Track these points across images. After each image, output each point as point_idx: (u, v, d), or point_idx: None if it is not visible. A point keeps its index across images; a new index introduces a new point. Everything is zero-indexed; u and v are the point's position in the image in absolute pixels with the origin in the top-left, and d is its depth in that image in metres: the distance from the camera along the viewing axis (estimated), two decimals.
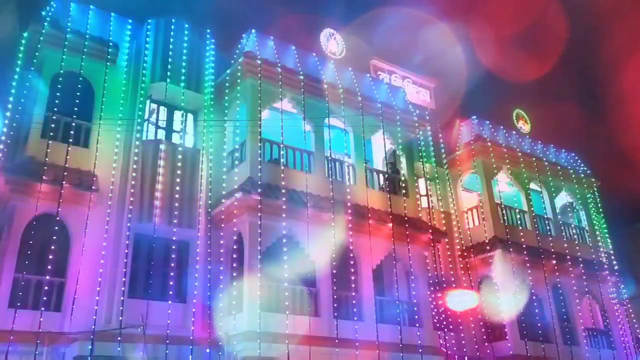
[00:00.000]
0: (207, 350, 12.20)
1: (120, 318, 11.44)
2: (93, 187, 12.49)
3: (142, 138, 13.78)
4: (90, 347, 10.81)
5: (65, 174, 12.16)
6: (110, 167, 13.07)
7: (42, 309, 11.11)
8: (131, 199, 12.85)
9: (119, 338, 11.05)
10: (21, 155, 12.57)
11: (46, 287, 11.45)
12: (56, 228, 11.78)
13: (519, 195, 19.88)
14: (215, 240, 13.61)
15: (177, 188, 13.39)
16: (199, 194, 13.82)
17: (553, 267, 18.26)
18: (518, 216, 19.23)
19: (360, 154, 16.22)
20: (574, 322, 18.34)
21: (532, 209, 19.63)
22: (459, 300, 9.96)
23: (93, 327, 11.08)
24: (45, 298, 11.33)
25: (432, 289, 16.01)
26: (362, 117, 16.12)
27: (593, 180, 22.28)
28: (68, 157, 12.43)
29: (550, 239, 19.16)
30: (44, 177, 11.89)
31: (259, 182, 13.54)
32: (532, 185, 20.29)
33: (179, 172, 13.55)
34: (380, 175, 16.83)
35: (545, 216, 19.99)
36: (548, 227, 19.75)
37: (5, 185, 11.96)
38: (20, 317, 10.75)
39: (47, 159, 12.14)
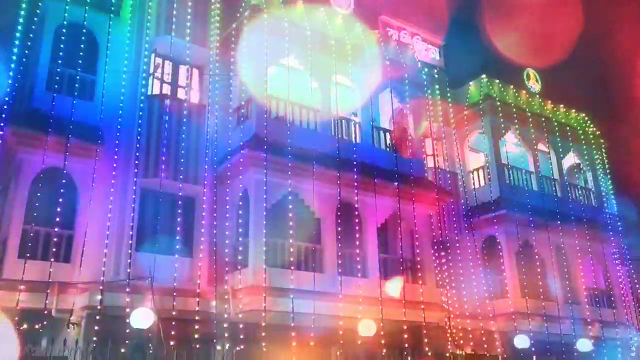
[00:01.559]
0: (213, 304, 12.41)
1: (128, 270, 11.61)
2: (99, 141, 12.50)
3: (147, 93, 13.67)
4: (99, 297, 11.02)
5: (71, 127, 12.14)
6: (115, 122, 13.00)
7: (52, 259, 11.27)
8: (137, 154, 12.84)
9: (127, 290, 11.24)
10: (27, 108, 12.52)
11: (55, 239, 11.58)
12: (63, 181, 11.84)
13: (526, 156, 19.76)
14: (221, 196, 13.66)
15: (183, 144, 13.38)
16: (204, 150, 13.82)
17: (557, 228, 18.33)
18: (524, 177, 19.18)
19: (367, 112, 16.07)
20: (575, 281, 18.55)
21: (539, 169, 19.56)
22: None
23: (102, 278, 11.27)
24: (54, 249, 11.48)
25: (435, 247, 16.16)
26: (369, 75, 15.88)
27: (602, 141, 22.10)
28: (73, 110, 12.35)
29: (556, 199, 19.16)
30: (50, 129, 11.87)
31: (265, 139, 13.48)
32: (540, 146, 20.15)
33: (184, 127, 13.50)
34: (387, 134, 16.71)
35: (552, 177, 19.93)
36: (554, 188, 19.71)
37: (12, 137, 11.97)
38: (30, 268, 10.93)
39: (52, 112, 12.09)
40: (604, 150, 22.10)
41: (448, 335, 15.35)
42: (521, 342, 13.05)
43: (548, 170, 20.02)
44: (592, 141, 21.77)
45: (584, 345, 13.92)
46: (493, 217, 17.66)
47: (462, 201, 18.53)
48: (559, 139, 20.44)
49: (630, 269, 20.70)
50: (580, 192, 20.75)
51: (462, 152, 19.38)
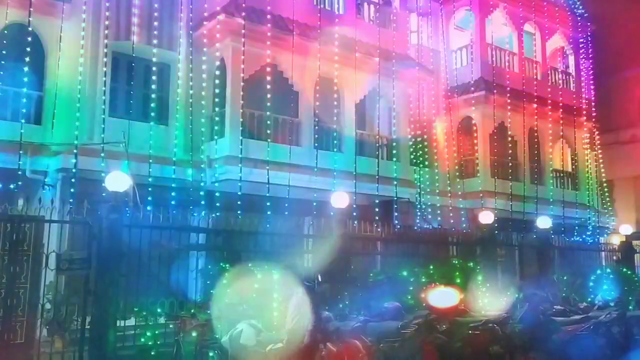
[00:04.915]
0: (190, 172, 12.50)
1: (102, 135, 11.46)
2: None
3: None
4: (74, 160, 10.95)
5: None
6: None
7: (22, 120, 10.98)
8: (107, 13, 12.11)
9: (102, 154, 11.18)
10: None
11: (24, 100, 11.18)
12: (29, 39, 11.20)
13: (512, 37, 19.37)
14: (197, 64, 13.21)
15: (156, 5, 12.66)
16: (179, 13, 13.14)
17: (533, 111, 18.52)
18: (507, 58, 18.95)
19: None
20: (543, 164, 19.17)
21: (523, 51, 19.28)
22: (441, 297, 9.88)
23: (75, 141, 11.11)
24: (24, 110, 11.13)
25: (412, 126, 16.27)
26: None
27: (588, 24, 21.64)
28: None
29: (535, 82, 19.13)
30: None
31: (243, 5, 12.81)
32: (527, 27, 19.69)
33: None
34: (372, 7, 16.03)
35: (534, 59, 19.74)
36: (535, 71, 19.61)
37: None
38: (0, 127, 10.67)
39: None
40: (589, 34, 21.73)
41: (417, 210, 15.99)
42: (485, 217, 13.68)
43: (531, 52, 19.77)
44: (579, 23, 21.32)
45: (543, 222, 14.70)
46: (471, 97, 17.65)
47: (443, 81, 18.37)
48: (546, 20, 19.94)
49: (598, 153, 21.36)
50: (560, 76, 20.73)
51: (446, 30, 18.83)
